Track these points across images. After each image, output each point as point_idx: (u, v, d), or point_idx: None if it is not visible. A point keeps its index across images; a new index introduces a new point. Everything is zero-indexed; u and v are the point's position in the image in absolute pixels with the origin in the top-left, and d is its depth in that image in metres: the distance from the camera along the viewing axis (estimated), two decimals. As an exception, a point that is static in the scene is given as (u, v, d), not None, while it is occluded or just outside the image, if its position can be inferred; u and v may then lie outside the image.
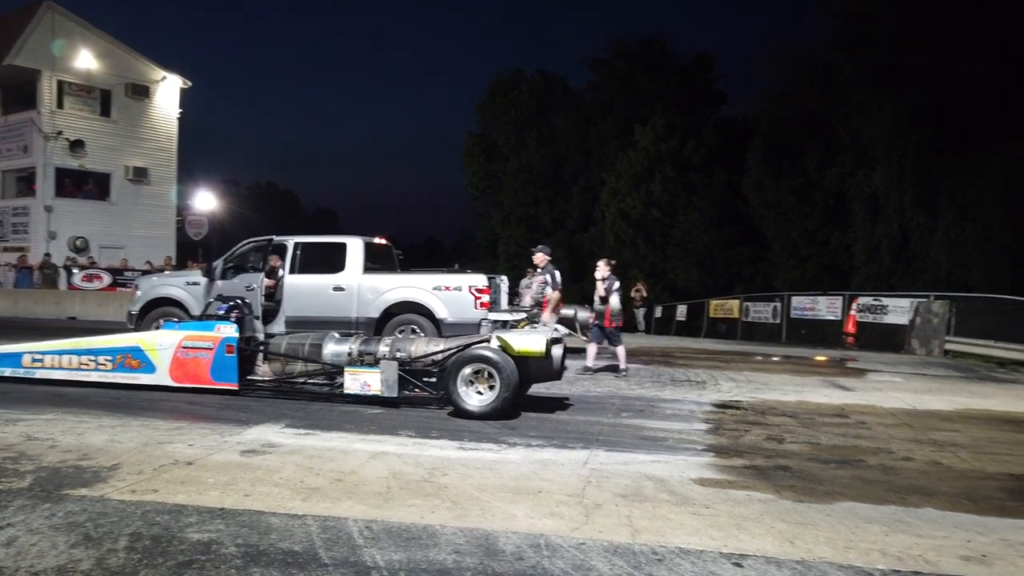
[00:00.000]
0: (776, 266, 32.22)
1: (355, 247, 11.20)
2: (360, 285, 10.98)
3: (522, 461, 5.37)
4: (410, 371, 7.40)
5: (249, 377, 7.99)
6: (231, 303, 8.21)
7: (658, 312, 30.99)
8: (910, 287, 22.83)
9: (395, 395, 7.26)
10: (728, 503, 4.50)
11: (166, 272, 18.36)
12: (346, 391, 7.38)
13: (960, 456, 6.19)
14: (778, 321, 23.49)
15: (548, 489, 4.63)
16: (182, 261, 26.40)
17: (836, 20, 27.90)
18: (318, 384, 7.91)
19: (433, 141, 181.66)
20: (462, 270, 12.57)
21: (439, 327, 10.54)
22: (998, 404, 9.41)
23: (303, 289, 11.06)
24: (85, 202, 28.17)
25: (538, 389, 8.05)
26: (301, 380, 7.97)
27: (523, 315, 10.86)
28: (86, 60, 27.45)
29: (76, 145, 27.40)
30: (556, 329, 8.13)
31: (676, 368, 12.10)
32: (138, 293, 11.86)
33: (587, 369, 10.58)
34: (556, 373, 7.43)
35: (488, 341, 7.21)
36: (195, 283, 11.44)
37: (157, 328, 9.37)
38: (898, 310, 18.90)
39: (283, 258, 11.24)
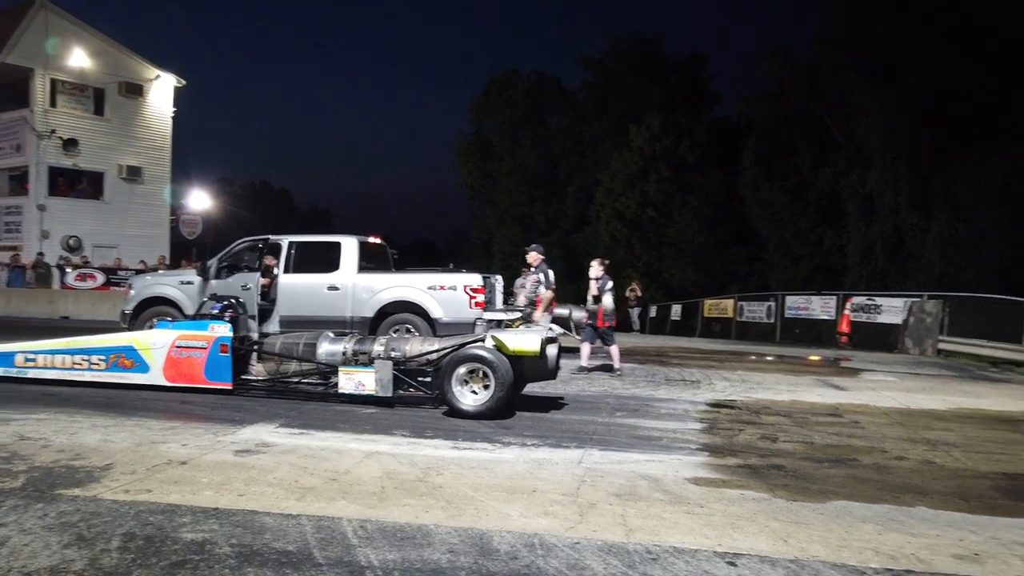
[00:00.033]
0: (770, 266, 32.32)
1: (350, 246, 11.19)
2: (355, 284, 10.96)
3: (517, 460, 5.37)
4: (405, 370, 7.39)
5: (243, 377, 7.96)
6: (225, 302, 8.20)
7: (653, 312, 31.04)
8: (904, 287, 22.94)
9: (390, 395, 7.25)
10: (722, 502, 4.50)
11: (160, 271, 18.30)
12: (341, 391, 7.37)
13: (953, 455, 6.21)
14: (772, 321, 23.55)
15: (543, 488, 4.64)
16: (176, 260, 26.30)
17: (830, 20, 28.00)
18: (312, 384, 7.89)
19: (428, 140, 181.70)
20: (457, 269, 12.55)
21: (434, 326, 10.53)
22: (991, 403, 9.45)
23: (298, 288, 11.04)
24: (78, 201, 28.04)
25: (533, 388, 8.05)
26: (295, 380, 7.94)
27: (518, 314, 10.85)
28: (79, 58, 27.34)
29: (69, 144, 27.27)
30: (551, 329, 8.13)
31: (671, 367, 12.12)
32: (132, 292, 11.82)
33: (582, 369, 10.59)
34: (551, 372, 7.43)
35: (483, 341, 7.21)
36: (189, 282, 11.40)
37: (151, 327, 9.33)
38: (892, 310, 18.97)
39: (277, 257, 11.21)
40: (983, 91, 22.70)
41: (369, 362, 7.46)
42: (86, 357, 7.91)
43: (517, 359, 6.98)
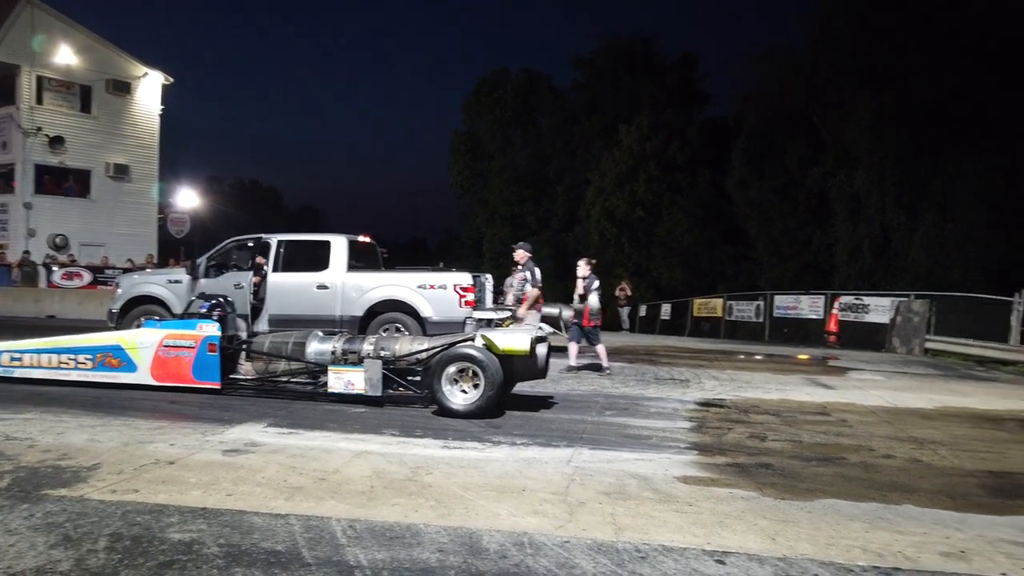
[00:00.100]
0: (759, 265, 32.45)
1: (339, 245, 11.15)
2: (344, 283, 10.94)
3: (506, 460, 5.37)
4: (394, 370, 7.38)
5: (231, 376, 7.93)
6: (213, 301, 8.16)
7: (642, 311, 31.13)
8: (891, 286, 23.08)
9: (379, 394, 7.24)
10: (711, 501, 4.52)
11: (147, 270, 18.19)
12: (330, 390, 7.35)
13: (940, 453, 6.26)
14: (761, 320, 23.66)
15: (532, 487, 4.64)
16: (164, 259, 26.17)
17: (819, 21, 28.14)
18: (301, 383, 7.87)
19: (419, 140, 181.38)
20: (447, 268, 12.55)
21: (424, 326, 10.51)
22: (977, 402, 9.53)
23: (287, 287, 11.00)
24: (65, 199, 27.84)
25: (522, 388, 8.06)
26: (284, 379, 7.92)
27: (508, 313, 10.86)
28: (66, 55, 27.13)
29: (56, 141, 27.07)
30: (540, 328, 8.13)
31: (660, 366, 12.15)
32: (119, 291, 11.75)
33: (570, 368, 10.60)
34: (541, 372, 7.43)
35: (473, 340, 7.20)
36: (177, 281, 11.34)
37: (138, 327, 9.27)
38: (879, 309, 19.11)
39: (267, 256, 11.17)
40: (970, 92, 22.86)
41: (358, 361, 7.44)
42: (73, 356, 7.85)
43: (507, 358, 6.99)
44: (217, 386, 7.64)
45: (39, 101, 27.07)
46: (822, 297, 21.72)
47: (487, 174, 45.39)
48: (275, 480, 4.60)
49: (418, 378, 7.34)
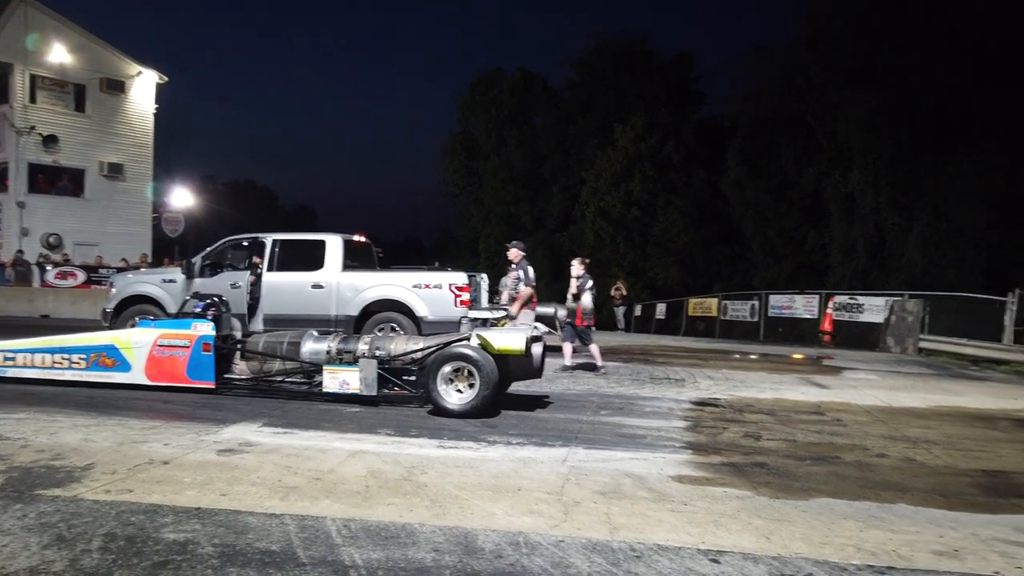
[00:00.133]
0: (754, 265, 32.52)
1: (334, 244, 11.13)
2: (339, 283, 10.92)
3: (502, 459, 5.38)
4: (389, 369, 7.37)
5: (226, 376, 7.90)
6: (208, 301, 8.13)
7: (638, 310, 31.15)
8: (885, 286, 23.15)
9: (374, 393, 7.23)
10: (706, 500, 4.53)
11: (142, 269, 18.13)
12: (325, 390, 7.34)
13: (933, 453, 6.28)
14: (756, 319, 23.71)
15: (527, 487, 4.64)
16: (158, 258, 26.10)
17: (812, 21, 28.21)
18: (296, 383, 7.85)
19: (415, 139, 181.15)
20: (442, 268, 12.53)
21: (419, 325, 10.50)
22: (970, 401, 9.57)
23: (282, 287, 10.98)
24: (59, 198, 27.74)
25: (518, 387, 8.06)
26: (279, 378, 7.90)
27: (503, 313, 10.85)
28: (60, 54, 27.05)
29: (50, 140, 26.98)
30: (536, 327, 8.14)
31: (655, 366, 12.16)
32: (113, 290, 11.71)
33: (565, 368, 10.60)
34: (536, 371, 7.44)
35: (468, 339, 7.20)
36: (171, 280, 11.31)
37: (132, 326, 9.25)
38: (873, 308, 19.17)
39: (261, 255, 11.15)
40: (964, 92, 22.94)
41: (354, 361, 7.43)
42: (66, 356, 7.83)
43: (502, 358, 6.99)
44: (212, 386, 7.62)
45: (33, 100, 26.97)
46: (817, 297, 21.79)
47: (483, 173, 45.38)
48: (270, 480, 4.59)
49: (413, 378, 7.34)
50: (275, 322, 10.58)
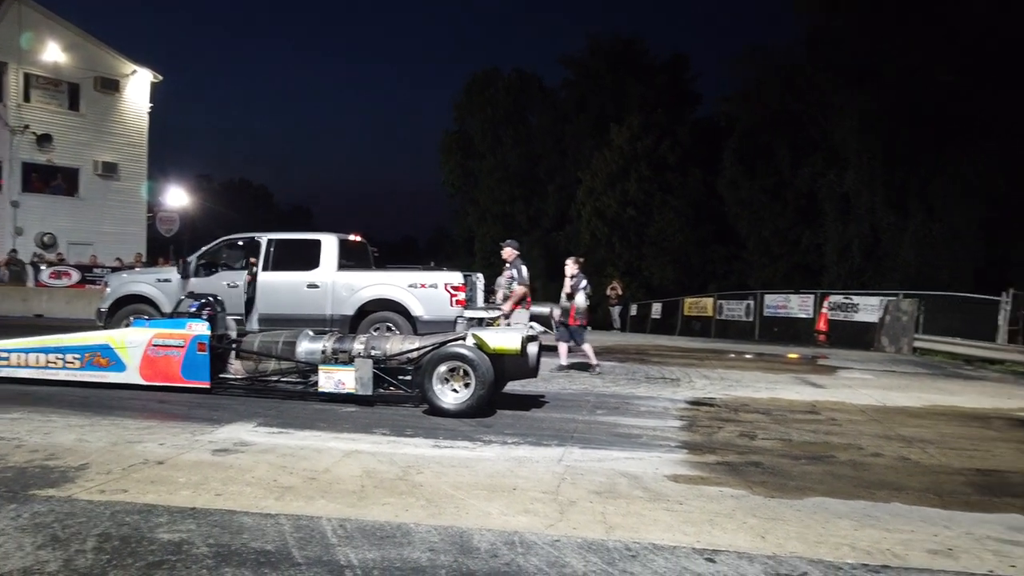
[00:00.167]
0: (749, 264, 32.59)
1: (330, 244, 11.12)
2: (335, 282, 10.91)
3: (497, 459, 5.37)
4: (385, 369, 7.37)
5: (221, 375, 7.89)
6: (203, 300, 8.12)
7: (633, 310, 31.19)
8: (880, 285, 23.23)
9: (370, 393, 7.23)
10: (701, 499, 4.53)
11: (136, 269, 18.09)
12: (320, 389, 7.32)
13: (928, 452, 6.30)
14: (751, 319, 23.75)
15: (523, 486, 4.64)
16: (153, 258, 26.02)
17: (808, 21, 28.27)
18: (292, 382, 7.84)
19: (411, 138, 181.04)
20: (438, 267, 12.53)
21: (414, 325, 10.50)
22: (965, 400, 9.60)
23: (277, 286, 10.96)
24: (53, 197, 27.61)
25: (513, 387, 8.06)
26: (275, 378, 7.89)
27: (499, 312, 10.84)
28: (54, 53, 26.92)
29: (43, 139, 26.86)
30: (531, 327, 8.13)
31: (651, 366, 12.17)
32: (107, 290, 11.68)
33: (561, 367, 10.60)
34: (531, 371, 7.43)
35: (464, 339, 7.20)
36: (166, 280, 11.29)
37: (127, 326, 9.22)
38: (868, 308, 19.22)
39: (257, 255, 11.14)
40: (960, 93, 23.02)
41: (349, 360, 7.42)
42: (61, 356, 7.80)
43: (498, 357, 6.99)
44: (207, 385, 7.61)
45: (27, 99, 26.84)
46: (812, 296, 21.83)
47: (478, 173, 45.40)
48: (265, 480, 4.58)
49: (409, 377, 7.33)
50: (270, 321, 10.57)
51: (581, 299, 10.45)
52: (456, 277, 10.85)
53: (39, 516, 3.77)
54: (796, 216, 29.96)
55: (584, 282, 10.58)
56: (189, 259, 11.31)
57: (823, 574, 3.42)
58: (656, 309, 30.57)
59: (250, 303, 10.95)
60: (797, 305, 22.28)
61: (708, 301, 27.05)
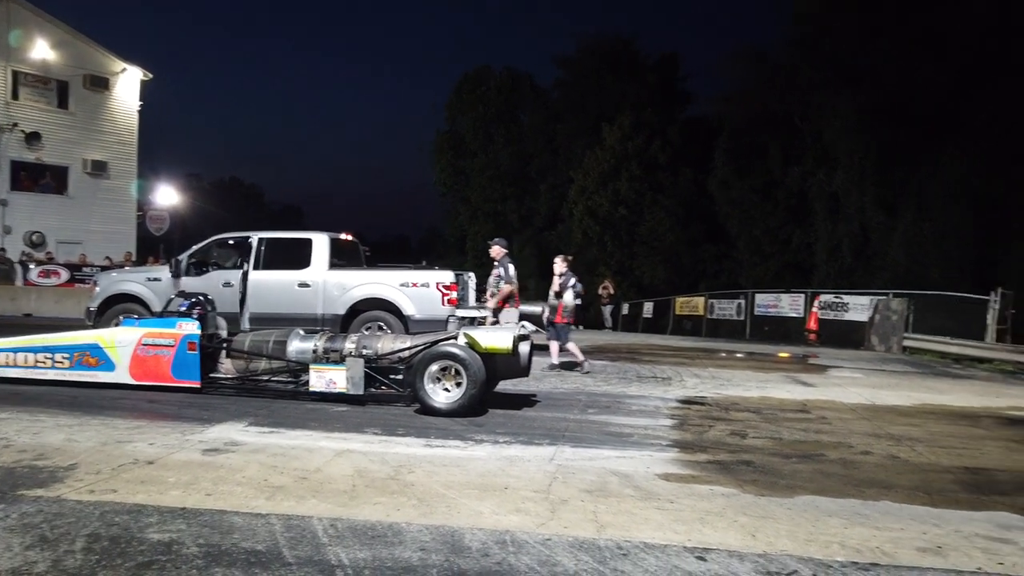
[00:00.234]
0: (740, 263, 32.71)
1: (321, 243, 11.09)
2: (326, 281, 10.88)
3: (489, 458, 5.37)
4: (376, 368, 7.35)
5: (212, 375, 7.86)
6: (193, 299, 8.08)
7: (625, 309, 31.24)
8: (870, 285, 23.34)
9: (361, 393, 7.21)
10: (692, 498, 4.55)
11: (126, 268, 17.99)
12: (311, 389, 7.30)
13: (917, 450, 6.34)
14: (742, 318, 23.83)
15: (514, 485, 4.64)
16: (143, 257, 25.89)
17: (798, 21, 28.38)
18: (283, 382, 7.81)
19: (401, 137, 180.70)
20: (429, 267, 12.51)
21: (406, 324, 10.48)
22: (953, 399, 9.66)
23: (268, 285, 10.92)
24: (42, 196, 27.45)
25: (505, 386, 8.06)
26: (265, 378, 7.86)
27: (490, 312, 10.83)
28: (43, 50, 26.74)
29: (32, 137, 26.69)
30: (523, 326, 8.13)
31: (642, 365, 12.20)
32: (97, 289, 11.61)
33: (553, 366, 10.61)
34: (523, 370, 7.44)
35: (455, 338, 7.19)
36: (156, 279, 11.23)
37: (117, 325, 9.17)
38: (858, 307, 19.33)
39: (248, 254, 11.09)
40: (947, 91, 23.16)
41: (340, 360, 7.40)
42: (50, 355, 7.75)
43: (489, 356, 6.99)
44: (197, 385, 7.57)
45: (15, 96, 26.67)
46: (802, 296, 21.94)
47: (470, 172, 45.38)
48: (256, 479, 4.56)
49: (400, 376, 7.32)
50: (261, 321, 10.52)
51: (569, 297, 10.45)
52: (448, 276, 10.84)
53: (27, 516, 3.74)
54: (787, 215, 30.09)
55: (573, 280, 10.58)
56: (180, 258, 11.26)
57: (813, 572, 3.43)
58: (648, 308, 30.64)
59: (242, 302, 10.92)
60: (788, 304, 22.37)
61: (699, 300, 27.13)
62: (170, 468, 4.76)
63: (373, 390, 7.34)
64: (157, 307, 10.44)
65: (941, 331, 16.29)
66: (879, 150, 24.76)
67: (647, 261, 35.23)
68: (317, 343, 7.66)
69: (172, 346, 7.56)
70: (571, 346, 10.61)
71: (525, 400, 7.98)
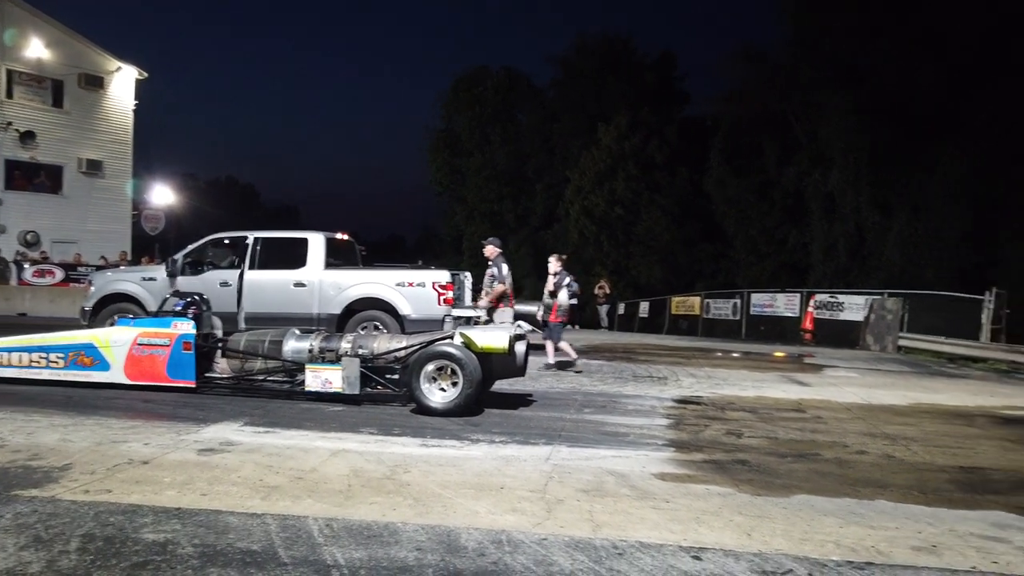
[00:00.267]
0: (736, 263, 32.75)
1: (316, 243, 11.08)
2: (322, 281, 10.87)
3: (485, 457, 5.37)
4: (372, 368, 7.35)
5: (207, 374, 7.84)
6: (188, 299, 8.06)
7: (621, 309, 31.25)
8: (865, 284, 23.40)
9: (357, 392, 7.20)
10: (688, 497, 4.55)
11: (121, 267, 17.95)
12: (307, 388, 7.29)
13: (912, 449, 6.35)
14: (738, 318, 23.86)
15: (510, 485, 4.64)
16: (138, 256, 25.82)
17: (794, 22, 28.42)
18: (278, 381, 7.80)
19: (397, 137, 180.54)
20: (425, 266, 12.50)
21: (402, 324, 10.48)
22: (948, 399, 9.68)
23: (264, 285, 10.91)
24: (36, 195, 27.37)
25: (501, 385, 8.06)
26: (261, 377, 7.85)
27: (483, 311, 10.82)
28: (37, 49, 26.68)
29: (27, 136, 26.62)
30: (519, 325, 8.13)
31: (638, 364, 12.20)
32: (92, 289, 11.58)
33: (548, 366, 10.62)
34: (519, 369, 7.43)
35: (451, 338, 7.19)
36: (151, 278, 11.20)
37: (112, 325, 9.14)
38: (853, 307, 19.36)
39: (243, 253, 11.07)
40: (942, 92, 23.21)
41: (336, 359, 7.39)
42: (44, 355, 7.73)
43: (485, 356, 6.99)
44: (192, 385, 7.56)
45: (9, 95, 26.60)
46: (798, 295, 21.96)
47: (466, 171, 45.36)
48: (251, 479, 4.56)
49: (396, 376, 7.31)
50: (257, 320, 10.50)
51: (564, 296, 10.46)
52: (444, 276, 10.84)
53: (22, 517, 3.73)
54: (783, 215, 30.13)
55: (568, 279, 10.58)
56: (176, 257, 11.23)
57: (808, 571, 3.44)
58: (644, 308, 30.65)
59: (238, 301, 10.89)
60: (783, 304, 22.40)
61: (695, 300, 27.15)
62: (165, 468, 4.75)
63: (369, 390, 7.33)
64: (152, 307, 10.41)
65: (936, 331, 16.32)
66: (875, 150, 24.82)
67: (643, 261, 35.25)
68: (313, 343, 7.65)
69: (167, 346, 7.54)
70: (564, 345, 10.61)
71: (521, 400, 7.98)
